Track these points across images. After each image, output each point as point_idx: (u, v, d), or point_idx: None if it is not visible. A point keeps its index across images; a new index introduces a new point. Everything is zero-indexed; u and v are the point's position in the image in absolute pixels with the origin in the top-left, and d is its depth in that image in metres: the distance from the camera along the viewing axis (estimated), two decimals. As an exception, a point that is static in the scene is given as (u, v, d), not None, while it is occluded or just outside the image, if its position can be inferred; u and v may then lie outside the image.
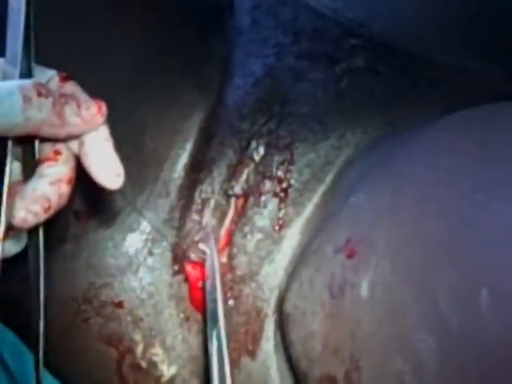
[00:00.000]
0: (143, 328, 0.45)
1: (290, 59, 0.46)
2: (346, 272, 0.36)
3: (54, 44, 0.37)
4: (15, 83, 0.33)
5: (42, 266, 0.38)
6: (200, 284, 0.45)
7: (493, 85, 0.42)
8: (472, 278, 0.30)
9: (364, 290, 0.35)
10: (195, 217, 0.46)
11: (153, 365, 0.45)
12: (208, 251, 0.44)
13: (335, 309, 0.37)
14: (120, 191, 0.43)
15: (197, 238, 0.46)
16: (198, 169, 0.47)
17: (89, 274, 0.45)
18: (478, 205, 0.32)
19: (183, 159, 0.47)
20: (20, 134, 0.34)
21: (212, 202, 0.46)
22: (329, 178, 0.43)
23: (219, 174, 0.46)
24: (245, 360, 0.43)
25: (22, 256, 0.36)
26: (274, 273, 0.43)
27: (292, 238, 0.43)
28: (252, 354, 0.43)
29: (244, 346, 0.43)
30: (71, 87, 0.37)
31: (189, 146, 0.47)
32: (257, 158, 0.45)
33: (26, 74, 0.34)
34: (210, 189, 0.46)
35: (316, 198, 0.43)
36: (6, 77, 0.35)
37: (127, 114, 0.45)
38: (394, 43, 0.44)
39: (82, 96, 0.37)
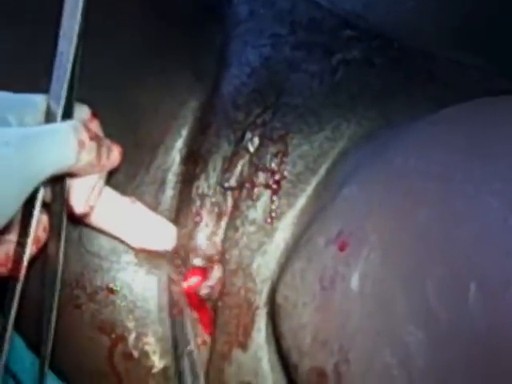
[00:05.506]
0: (137, 316, 0.45)
1: (286, 50, 0.45)
2: (337, 264, 0.36)
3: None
4: (68, 127, 0.35)
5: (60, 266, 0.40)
6: (198, 289, 0.45)
7: (488, 80, 0.42)
8: (461, 272, 0.30)
9: (354, 282, 0.35)
10: (195, 216, 0.46)
11: (144, 354, 0.45)
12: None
13: (326, 301, 0.37)
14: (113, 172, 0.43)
15: (199, 244, 0.46)
16: (193, 161, 0.47)
17: (82, 258, 0.44)
18: (468, 198, 0.32)
19: (178, 146, 0.47)
20: (64, 173, 0.35)
21: (209, 200, 0.46)
22: (322, 170, 0.43)
23: (214, 167, 0.46)
24: (236, 352, 0.43)
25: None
26: (266, 265, 0.43)
27: (285, 229, 0.43)
28: (243, 346, 0.43)
29: (235, 338, 0.43)
30: (95, 126, 0.39)
31: (184, 133, 0.47)
32: (251, 149, 0.45)
33: (68, 110, 0.36)
34: (206, 184, 0.46)
35: (309, 190, 0.43)
36: (49, 111, 0.36)
37: (123, 96, 0.46)
38: (390, 35, 0.43)
39: (102, 136, 0.40)
